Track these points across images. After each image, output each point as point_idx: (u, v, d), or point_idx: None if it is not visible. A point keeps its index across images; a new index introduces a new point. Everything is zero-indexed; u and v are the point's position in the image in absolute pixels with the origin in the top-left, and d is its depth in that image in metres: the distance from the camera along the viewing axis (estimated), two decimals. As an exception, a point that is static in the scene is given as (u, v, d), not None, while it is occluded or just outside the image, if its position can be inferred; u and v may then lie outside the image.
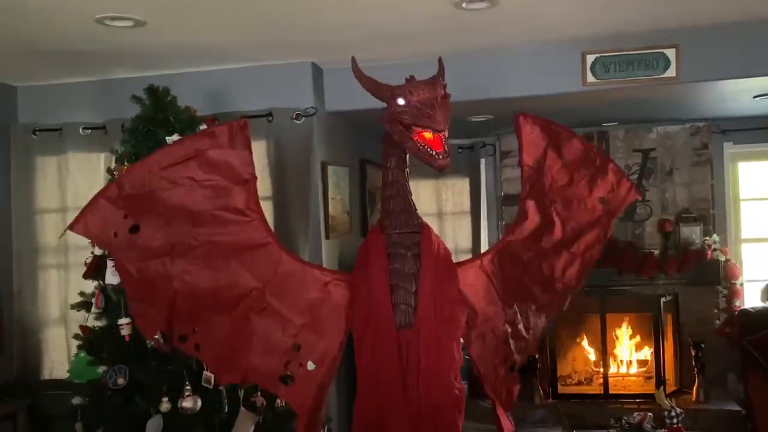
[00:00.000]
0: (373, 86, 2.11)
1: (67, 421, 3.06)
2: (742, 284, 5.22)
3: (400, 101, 1.99)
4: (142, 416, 2.83)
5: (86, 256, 3.17)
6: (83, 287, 3.23)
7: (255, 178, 2.20)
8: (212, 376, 2.89)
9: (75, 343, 3.21)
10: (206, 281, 2.18)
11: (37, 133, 4.09)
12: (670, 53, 3.64)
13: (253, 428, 2.90)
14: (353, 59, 2.16)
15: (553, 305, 2.46)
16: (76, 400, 3.04)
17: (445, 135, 1.98)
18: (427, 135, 1.96)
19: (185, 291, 2.17)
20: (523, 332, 2.37)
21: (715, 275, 4.98)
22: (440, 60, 2.19)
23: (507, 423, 2.36)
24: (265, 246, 2.20)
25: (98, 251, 3.06)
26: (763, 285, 5.08)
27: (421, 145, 1.97)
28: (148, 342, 2.31)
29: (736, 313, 4.96)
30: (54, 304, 4.11)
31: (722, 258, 5.00)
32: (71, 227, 2.15)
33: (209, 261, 2.17)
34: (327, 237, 4.07)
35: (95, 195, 2.19)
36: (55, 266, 4.13)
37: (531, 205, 2.34)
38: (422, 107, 1.95)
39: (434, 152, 1.96)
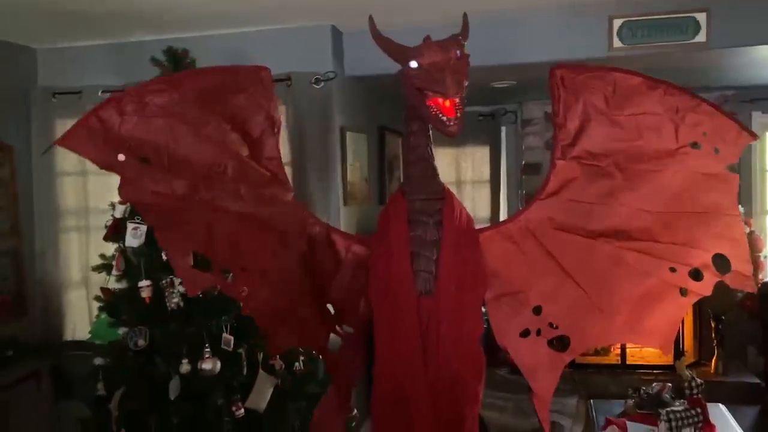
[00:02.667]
0: (389, 47, 2.00)
1: (89, 380, 3.12)
2: (765, 257, 5.15)
3: (413, 64, 1.90)
4: (162, 377, 2.87)
5: (107, 218, 3.18)
6: (104, 250, 3.26)
7: (279, 131, 2.09)
8: (231, 339, 2.89)
9: (96, 304, 3.25)
10: (242, 220, 2.01)
11: (56, 95, 4.08)
12: (701, 17, 3.53)
13: (272, 391, 2.93)
14: (371, 18, 2.05)
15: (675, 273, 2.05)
16: (98, 361, 3.09)
17: (458, 100, 1.86)
18: (441, 100, 1.85)
19: (232, 225, 1.97)
20: (586, 308, 2.10)
21: (738, 247, 4.90)
22: (465, 16, 2.06)
23: (543, 414, 2.16)
24: (288, 203, 2.13)
25: (118, 214, 3.07)
26: (787, 258, 5.01)
27: (433, 111, 1.87)
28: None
29: (759, 286, 4.89)
30: (75, 267, 4.16)
31: (747, 230, 4.91)
32: (57, 142, 1.86)
33: (234, 206, 2.00)
34: (345, 204, 4.05)
35: (89, 111, 1.88)
36: (75, 229, 4.17)
37: (566, 164, 2.09)
38: (433, 71, 1.85)
39: (445, 118, 1.85)
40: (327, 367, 2.23)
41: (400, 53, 1.96)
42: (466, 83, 1.91)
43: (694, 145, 2.03)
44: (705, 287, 2.07)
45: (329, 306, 2.20)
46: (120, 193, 1.90)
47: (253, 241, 2.02)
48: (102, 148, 1.86)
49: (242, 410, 2.87)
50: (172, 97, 1.95)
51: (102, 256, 3.22)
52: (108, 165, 1.88)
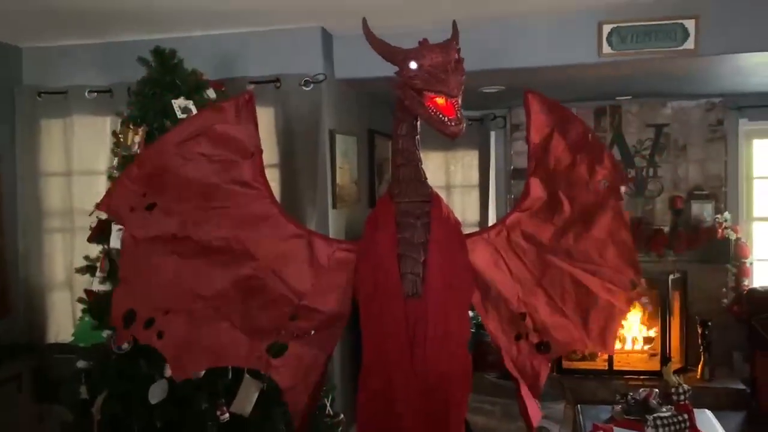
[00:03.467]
0: (384, 49, 2.03)
1: (71, 384, 3.07)
2: (751, 263, 5.19)
3: (413, 65, 1.91)
4: (146, 381, 2.83)
5: (91, 220, 3.14)
6: (88, 251, 3.21)
7: (261, 151, 2.17)
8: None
9: (80, 306, 3.20)
10: (207, 255, 2.13)
11: (42, 95, 4.05)
12: (689, 24, 3.55)
13: (257, 395, 2.89)
14: (364, 21, 2.08)
15: (611, 292, 2.31)
16: (81, 364, 3.04)
17: (458, 101, 1.90)
18: (440, 101, 1.88)
19: (180, 267, 2.13)
20: (556, 315, 2.24)
21: (725, 253, 4.94)
22: (454, 23, 2.10)
23: (534, 408, 2.26)
24: (270, 217, 2.17)
25: (103, 215, 3.03)
26: (773, 264, 5.05)
27: (432, 111, 1.89)
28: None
29: (745, 292, 4.93)
30: (59, 268, 4.11)
31: (733, 236, 4.95)
32: (98, 206, 2.18)
33: (215, 233, 2.13)
34: (334, 206, 4.03)
35: (120, 175, 2.23)
36: (60, 230, 4.12)
37: (536, 182, 2.25)
38: (435, 72, 1.88)
39: (446, 118, 1.88)
40: (279, 377, 2.22)
41: (397, 55, 1.99)
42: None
43: (603, 183, 2.31)
44: (630, 303, 2.39)
45: (296, 311, 2.17)
46: (122, 244, 2.19)
47: (197, 278, 2.14)
48: (123, 205, 2.14)
49: (227, 415, 2.84)
50: (159, 152, 2.17)
51: (86, 257, 3.18)
52: (121, 219, 2.16)
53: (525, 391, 2.24)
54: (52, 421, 3.50)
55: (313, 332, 2.17)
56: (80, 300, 3.15)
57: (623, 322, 2.49)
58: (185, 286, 2.15)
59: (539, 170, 2.26)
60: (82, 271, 3.15)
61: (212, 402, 2.84)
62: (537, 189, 2.25)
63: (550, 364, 2.32)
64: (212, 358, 2.21)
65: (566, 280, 2.27)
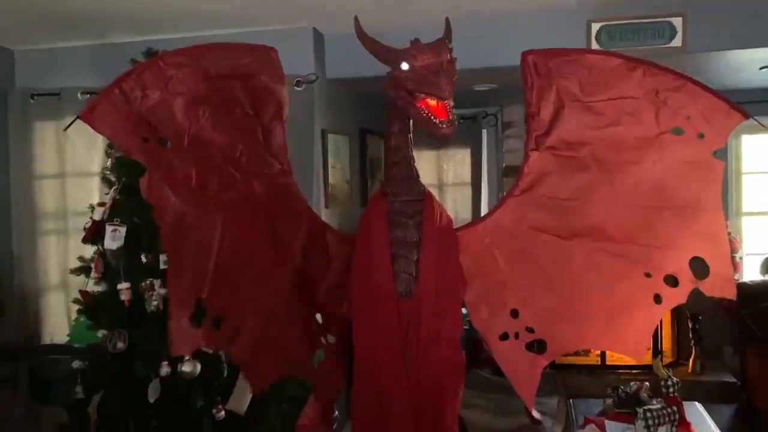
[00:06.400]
0: (376, 49, 1.99)
1: (67, 384, 3.08)
2: (741, 258, 5.22)
3: (404, 66, 1.89)
4: (142, 380, 2.85)
5: (86, 221, 3.16)
6: (83, 252, 3.23)
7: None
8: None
9: (75, 307, 3.22)
10: (248, 231, 1.93)
11: (35, 97, 4.05)
12: (677, 22, 3.59)
13: (252, 394, 2.91)
14: (356, 19, 2.05)
15: (653, 272, 1.99)
16: (76, 364, 3.06)
17: (450, 102, 1.87)
18: (431, 102, 1.86)
19: (228, 245, 1.87)
20: (562, 311, 2.08)
21: (714, 248, 4.97)
22: (447, 21, 2.06)
23: (530, 413, 2.18)
24: (298, 198, 2.10)
25: (97, 216, 3.04)
26: (762, 258, 5.09)
27: (424, 113, 1.87)
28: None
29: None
30: (54, 270, 4.12)
31: (723, 231, 4.98)
32: (82, 116, 1.69)
33: (249, 204, 1.94)
34: (327, 206, 4.05)
35: (115, 80, 1.68)
36: (54, 232, 4.13)
37: (541, 157, 2.05)
38: (426, 73, 1.85)
39: (437, 120, 1.85)
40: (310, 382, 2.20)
41: (389, 55, 1.95)
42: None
43: (676, 130, 1.95)
44: (680, 294, 2.02)
45: (318, 316, 2.18)
46: (144, 193, 1.74)
47: (250, 267, 1.95)
48: (125, 127, 1.72)
49: (223, 413, 2.86)
50: (196, 73, 1.86)
51: (81, 258, 3.19)
52: (131, 149, 1.74)
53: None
54: (48, 422, 3.51)
55: (334, 339, 2.18)
56: (75, 301, 3.17)
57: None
58: (245, 272, 1.91)
59: (546, 141, 2.04)
60: (76, 272, 3.16)
61: (208, 400, 2.86)
62: (541, 162, 2.04)
63: (543, 366, 2.14)
64: (285, 368, 2.09)
65: (582, 270, 2.05)
